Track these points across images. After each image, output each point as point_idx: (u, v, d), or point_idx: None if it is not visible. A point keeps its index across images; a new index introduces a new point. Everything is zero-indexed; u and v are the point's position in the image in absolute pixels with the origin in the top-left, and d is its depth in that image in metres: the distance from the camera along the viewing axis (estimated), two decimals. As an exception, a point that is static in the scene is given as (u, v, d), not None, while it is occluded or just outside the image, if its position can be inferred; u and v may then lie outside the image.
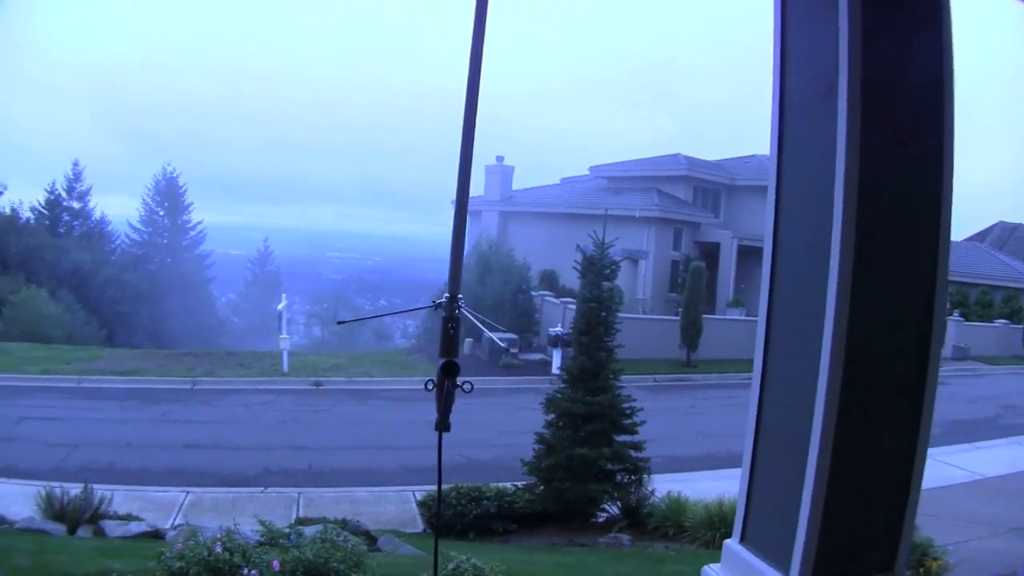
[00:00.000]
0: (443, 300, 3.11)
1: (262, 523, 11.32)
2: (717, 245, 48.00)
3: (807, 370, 3.56)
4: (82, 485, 14.90)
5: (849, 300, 3.43)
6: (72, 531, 14.04)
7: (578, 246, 18.48)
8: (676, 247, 48.04)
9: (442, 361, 3.23)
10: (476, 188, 56.63)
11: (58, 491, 14.66)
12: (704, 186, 51.88)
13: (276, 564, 8.78)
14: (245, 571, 8.55)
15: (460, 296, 3.09)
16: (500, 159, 55.69)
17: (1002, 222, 70.25)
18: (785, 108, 3.84)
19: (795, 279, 3.82)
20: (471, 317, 3.41)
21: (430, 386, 3.22)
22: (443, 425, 3.25)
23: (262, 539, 10.56)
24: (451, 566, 9.44)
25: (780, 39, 3.77)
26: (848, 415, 3.51)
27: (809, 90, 3.68)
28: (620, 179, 53.47)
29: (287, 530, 10.99)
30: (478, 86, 3.25)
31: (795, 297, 3.82)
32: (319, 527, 11.42)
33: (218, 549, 8.79)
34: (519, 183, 56.99)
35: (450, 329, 3.10)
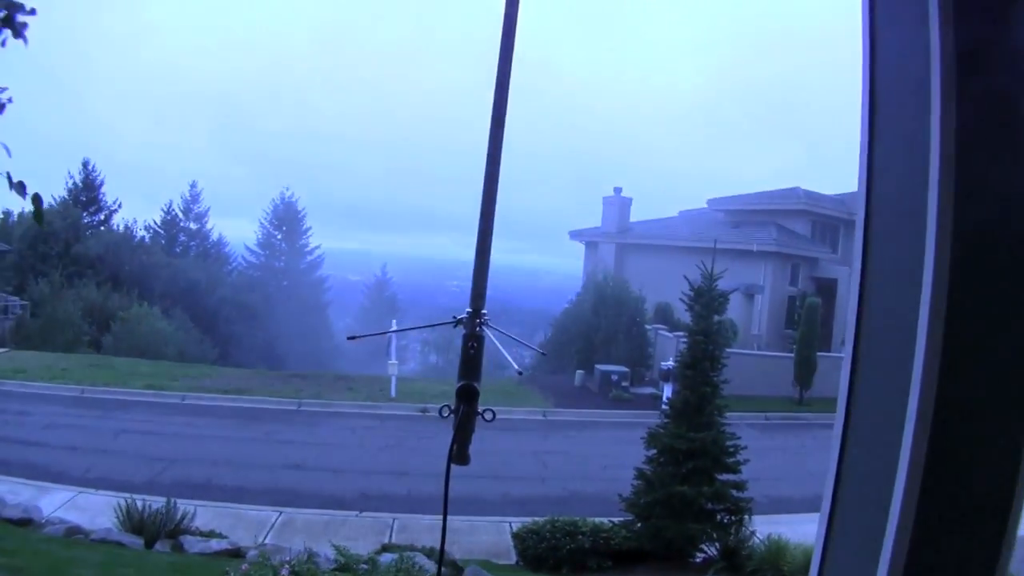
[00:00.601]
0: (464, 316, 2.65)
1: (337, 548, 11.05)
2: (834, 281, 46.87)
3: (895, 408, 3.09)
4: (165, 499, 14.80)
5: (943, 329, 2.95)
6: (150, 545, 13.95)
7: (685, 277, 17.94)
8: (793, 282, 47.01)
9: (459, 384, 2.77)
10: (593, 219, 56.43)
11: (140, 504, 14.56)
12: (822, 220, 50.62)
13: (345, 590, 8.48)
14: (312, 596, 8.27)
15: (485, 312, 2.64)
16: (618, 190, 54.87)
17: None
18: (875, 117, 3.39)
19: (884, 307, 3.34)
20: (493, 339, 2.95)
21: (446, 412, 2.77)
22: (460, 458, 2.76)
23: (337, 565, 10.26)
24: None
25: (868, 36, 3.34)
26: (938, 461, 3.03)
27: (899, 90, 3.23)
28: (738, 212, 52.39)
29: (365, 557, 10.68)
30: (508, 84, 2.85)
31: (884, 325, 3.33)
32: (407, 554, 11.13)
33: (284, 573, 8.51)
34: (637, 215, 56.23)
35: (471, 348, 2.64)
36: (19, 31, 6.04)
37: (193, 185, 77.78)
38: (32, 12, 6.05)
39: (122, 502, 14.74)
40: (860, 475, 3.51)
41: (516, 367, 3.05)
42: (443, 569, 13.64)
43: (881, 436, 3.26)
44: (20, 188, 5.82)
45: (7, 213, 65.06)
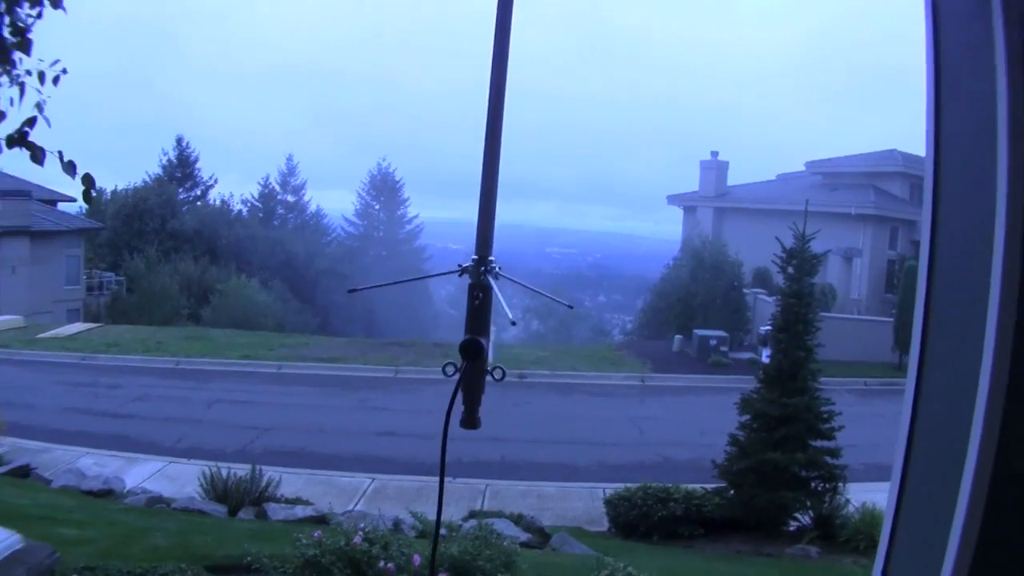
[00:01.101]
0: (469, 264, 2.36)
1: (415, 515, 10.95)
2: (932, 242, 45.79)
3: (967, 376, 2.85)
4: (250, 467, 14.80)
5: (1017, 299, 2.71)
6: (233, 513, 13.99)
7: (778, 239, 17.50)
8: (892, 246, 46.12)
9: (463, 340, 2.45)
10: (691, 183, 55.87)
11: (225, 472, 14.58)
12: (920, 182, 49.33)
13: (417, 559, 8.36)
14: (382, 564, 8.14)
15: (492, 259, 2.35)
16: (715, 154, 54.62)
17: None
18: (940, 86, 3.14)
19: (955, 274, 3.09)
20: (497, 294, 2.63)
21: (450, 371, 2.47)
22: (468, 422, 2.47)
23: (416, 532, 10.17)
24: (605, 573, 8.80)
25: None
26: (1010, 436, 2.79)
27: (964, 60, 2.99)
28: (836, 175, 51.46)
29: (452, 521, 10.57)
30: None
31: (955, 296, 3.09)
32: (486, 522, 11.00)
33: (357, 540, 8.41)
34: (734, 179, 55.72)
35: (476, 299, 2.36)
36: (57, 1, 6.01)
37: (289, 158, 78.53)
38: None
39: (206, 471, 14.79)
40: (931, 448, 3.29)
41: (510, 316, 2.71)
42: (530, 536, 13.46)
43: (952, 408, 3.04)
44: (70, 168, 5.78)
45: (101, 192, 65.88)
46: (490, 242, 2.43)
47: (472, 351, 2.40)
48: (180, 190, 70.02)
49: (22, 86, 6.05)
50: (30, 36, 6.07)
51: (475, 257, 2.35)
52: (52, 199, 54.93)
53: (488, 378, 2.62)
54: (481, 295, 2.46)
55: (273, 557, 9.07)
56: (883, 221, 45.95)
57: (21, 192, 44.05)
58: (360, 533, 8.59)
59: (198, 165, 73.92)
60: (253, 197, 77.24)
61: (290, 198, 77.77)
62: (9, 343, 33.68)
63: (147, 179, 69.21)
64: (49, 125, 6.02)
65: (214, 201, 73.53)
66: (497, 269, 2.38)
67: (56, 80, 6.16)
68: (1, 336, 35.33)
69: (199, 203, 71.82)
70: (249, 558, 9.17)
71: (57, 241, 50.33)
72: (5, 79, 6.02)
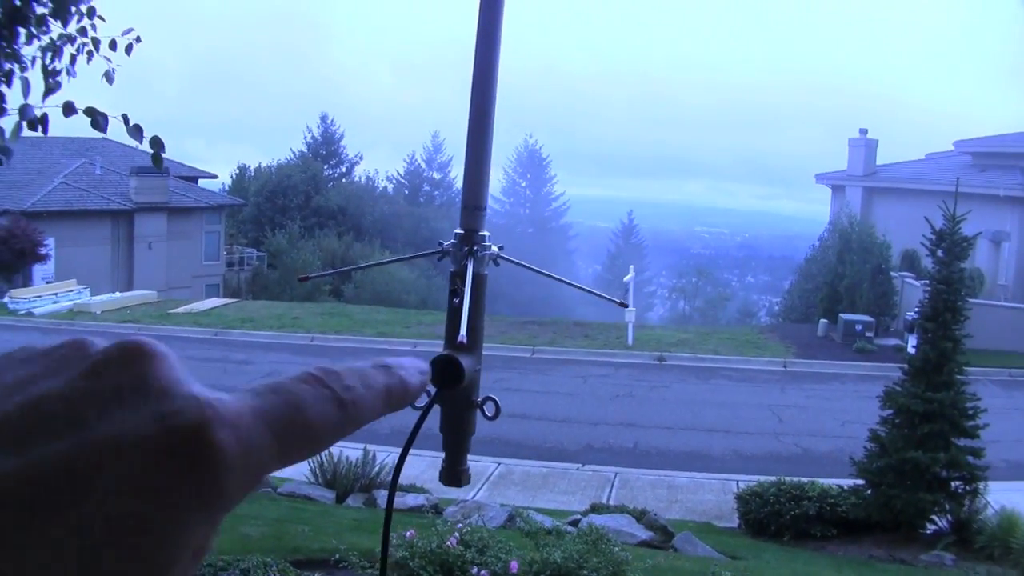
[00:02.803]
0: (450, 244, 1.45)
1: (520, 515, 10.42)
2: (1081, 227, 44.20)
3: None
4: (363, 448, 14.40)
5: None
6: (341, 499, 13.64)
7: (927, 219, 16.54)
8: (1042, 229, 44.44)
9: (437, 356, 1.42)
10: (839, 162, 54.71)
11: (336, 454, 14.26)
12: None
13: (515, 565, 7.83)
14: (475, 571, 7.62)
15: (485, 235, 1.42)
16: (863, 131, 53.14)
17: None
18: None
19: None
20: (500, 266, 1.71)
21: (417, 403, 1.50)
22: (449, 477, 1.50)
23: (524, 530, 9.61)
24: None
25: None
26: None
27: None
28: (985, 155, 49.59)
29: (548, 527, 9.95)
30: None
31: None
32: (600, 523, 10.43)
33: (452, 542, 7.90)
34: (883, 158, 54.34)
35: (456, 296, 1.45)
36: None
37: (435, 136, 78.98)
38: None
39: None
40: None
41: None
42: (653, 534, 12.85)
43: None
44: (136, 131, 5.49)
45: (243, 168, 67.17)
46: (483, 209, 1.65)
47: (448, 375, 1.55)
48: (325, 167, 70.86)
49: (89, 54, 5.80)
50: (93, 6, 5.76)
51: (459, 231, 1.52)
52: (193, 176, 56.08)
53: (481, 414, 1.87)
54: (464, 289, 1.62)
55: (364, 554, 8.60)
56: (1033, 205, 44.21)
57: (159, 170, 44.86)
58: (456, 534, 8.09)
59: (343, 142, 74.83)
60: (399, 174, 78.17)
61: (436, 175, 78.45)
62: (140, 318, 34.28)
63: (292, 156, 70.33)
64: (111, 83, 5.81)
65: (359, 178, 74.49)
66: (495, 251, 1.58)
67: (128, 49, 5.91)
68: (133, 311, 36.05)
69: (344, 180, 72.62)
70: (338, 555, 8.73)
71: (196, 217, 51.37)
72: (69, 47, 5.75)
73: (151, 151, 5.63)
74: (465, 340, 1.35)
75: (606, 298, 1.85)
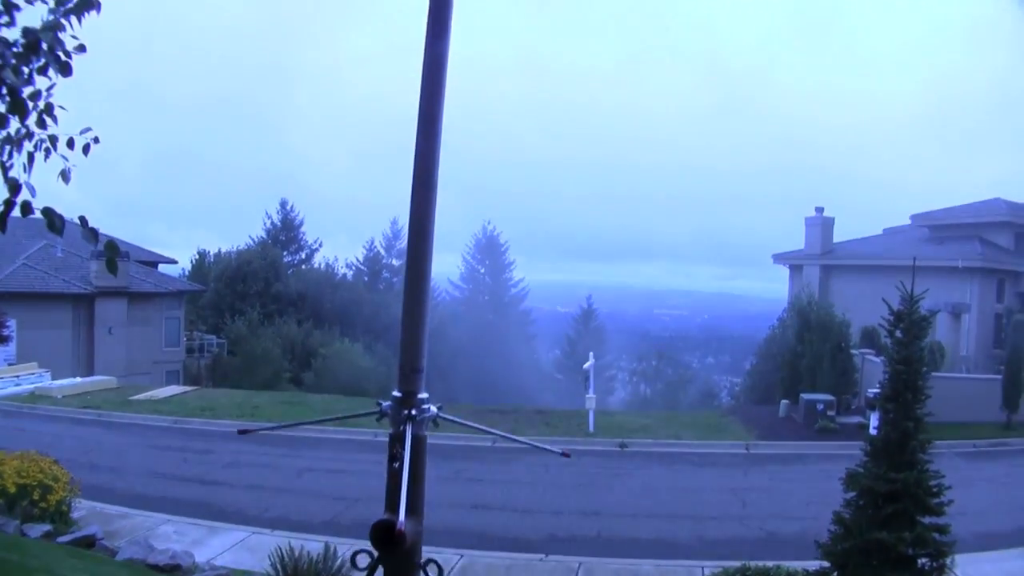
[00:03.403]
0: (388, 405, 1.33)
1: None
2: (1040, 294, 44.96)
3: None
4: (324, 543, 14.21)
5: None
6: (302, 594, 13.36)
7: (884, 300, 16.59)
8: (999, 299, 45.22)
9: (378, 522, 1.34)
10: (797, 239, 55.31)
11: (298, 548, 14.03)
12: None
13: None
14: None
15: (423, 397, 1.30)
16: (820, 210, 54.10)
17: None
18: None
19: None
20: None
21: (362, 562, 1.39)
22: None
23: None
24: None
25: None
26: None
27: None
28: (942, 227, 51.43)
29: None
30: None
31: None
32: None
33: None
34: (840, 234, 55.37)
35: (395, 459, 1.30)
36: (67, 69, 5.64)
37: (394, 222, 79.57)
38: (81, 50, 5.66)
39: (285, 544, 14.24)
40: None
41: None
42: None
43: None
44: (93, 234, 5.43)
45: (203, 253, 67.34)
46: (420, 368, 1.49)
47: (385, 541, 1.34)
48: (284, 253, 71.11)
49: (47, 151, 5.80)
50: (51, 102, 5.72)
51: (396, 394, 1.39)
52: (153, 261, 56.04)
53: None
54: (401, 457, 1.43)
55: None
56: (990, 273, 45.39)
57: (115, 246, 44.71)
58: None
59: (303, 229, 75.22)
60: (358, 261, 78.54)
61: (395, 262, 78.81)
62: (100, 404, 34.08)
63: (251, 242, 70.52)
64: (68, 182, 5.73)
65: (319, 264, 74.74)
66: (434, 411, 1.41)
67: (86, 149, 5.86)
68: (93, 397, 35.89)
69: (304, 266, 72.80)
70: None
71: (157, 303, 51.39)
72: (28, 144, 5.71)
73: (106, 255, 5.57)
74: (404, 526, 1.23)
75: (547, 450, 1.78)
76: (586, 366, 34.18)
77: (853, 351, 37.15)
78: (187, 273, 63.49)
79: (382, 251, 79.35)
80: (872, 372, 34.32)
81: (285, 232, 73.70)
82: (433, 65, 2.40)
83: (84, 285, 47.54)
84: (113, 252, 5.51)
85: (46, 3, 5.63)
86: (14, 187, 5.49)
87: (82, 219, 5.34)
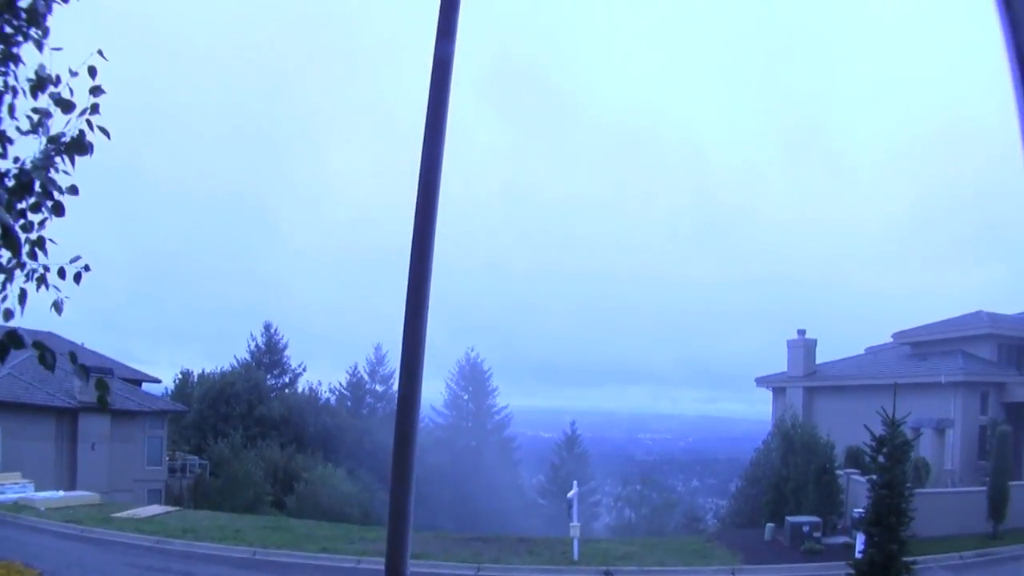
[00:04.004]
0: None
1: None
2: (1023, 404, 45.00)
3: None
4: None
5: None
6: None
7: (867, 427, 16.65)
8: (983, 411, 45.28)
9: None
10: (779, 363, 55.67)
11: None
12: (1008, 342, 49.20)
13: None
14: None
15: None
16: (802, 333, 54.40)
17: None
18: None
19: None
20: None
21: None
22: None
23: None
24: None
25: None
26: None
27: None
28: (923, 344, 51.61)
29: None
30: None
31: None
32: None
33: None
34: (823, 354, 55.56)
35: None
36: (60, 209, 5.82)
37: (378, 348, 79.65)
38: (74, 191, 5.85)
39: None
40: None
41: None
42: None
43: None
44: (83, 372, 5.49)
45: (187, 373, 67.31)
46: None
47: None
48: (268, 376, 71.02)
49: (40, 280, 5.92)
50: (43, 235, 5.87)
51: None
52: (136, 379, 55.94)
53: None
54: None
55: None
56: (973, 387, 45.23)
57: (103, 370, 44.43)
58: None
59: (287, 352, 75.19)
60: (341, 385, 78.57)
61: (379, 387, 78.81)
62: (83, 519, 33.73)
63: (235, 363, 70.47)
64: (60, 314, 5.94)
65: (302, 389, 74.54)
66: None
67: (77, 278, 5.99)
68: (76, 511, 35.53)
69: (287, 390, 72.62)
70: None
71: (140, 421, 51.14)
72: (19, 273, 5.81)
73: (97, 393, 5.64)
74: None
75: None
76: (570, 495, 33.99)
77: (838, 471, 37.07)
78: (170, 392, 63.33)
79: (365, 376, 79.38)
80: (857, 491, 34.22)
81: (269, 355, 73.63)
82: (427, 191, 2.50)
83: (68, 399, 47.36)
84: (103, 390, 5.59)
85: (38, 137, 5.77)
86: (7, 317, 5.59)
87: (72, 355, 5.40)
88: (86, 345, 38.52)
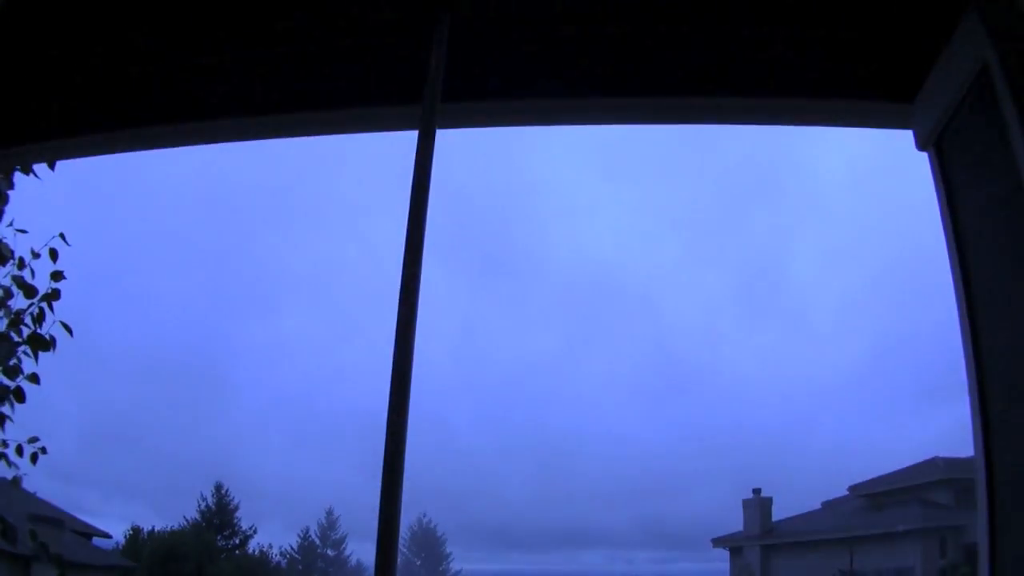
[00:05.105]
0: None
1: None
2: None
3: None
4: None
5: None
6: None
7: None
8: (942, 555, 45.23)
9: None
10: (736, 523, 55.14)
11: None
12: (965, 484, 48.88)
13: None
14: None
15: None
16: (756, 491, 53.88)
17: None
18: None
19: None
20: None
21: None
22: None
23: None
24: None
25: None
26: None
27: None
28: (880, 495, 51.37)
29: None
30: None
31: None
32: None
33: None
34: (779, 511, 54.59)
35: None
36: (21, 396, 6.19)
37: (330, 511, 79.03)
38: (35, 380, 6.21)
39: None
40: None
41: None
42: None
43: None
44: (43, 548, 6.19)
45: (138, 529, 66.51)
46: None
47: None
48: (219, 536, 70.18)
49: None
50: (3, 412, 6.23)
51: None
52: (87, 532, 55.24)
53: None
54: None
55: None
56: (931, 533, 45.16)
57: (54, 520, 44.03)
58: None
59: (237, 513, 74.38)
60: (292, 549, 77.60)
61: (330, 552, 78.05)
62: None
63: (185, 522, 69.70)
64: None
65: (253, 551, 73.62)
66: None
67: (34, 458, 6.44)
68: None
69: (237, 551, 71.74)
70: None
71: (91, 575, 50.18)
72: None
73: (56, 571, 6.07)
74: None
75: None
76: None
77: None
78: (121, 547, 62.50)
79: (316, 541, 78.69)
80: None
81: (219, 516, 72.80)
82: (402, 351, 2.80)
83: (21, 546, 46.73)
84: (61, 567, 5.96)
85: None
86: None
87: (32, 532, 5.75)
88: (38, 495, 38.34)
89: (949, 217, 3.46)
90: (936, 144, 3.41)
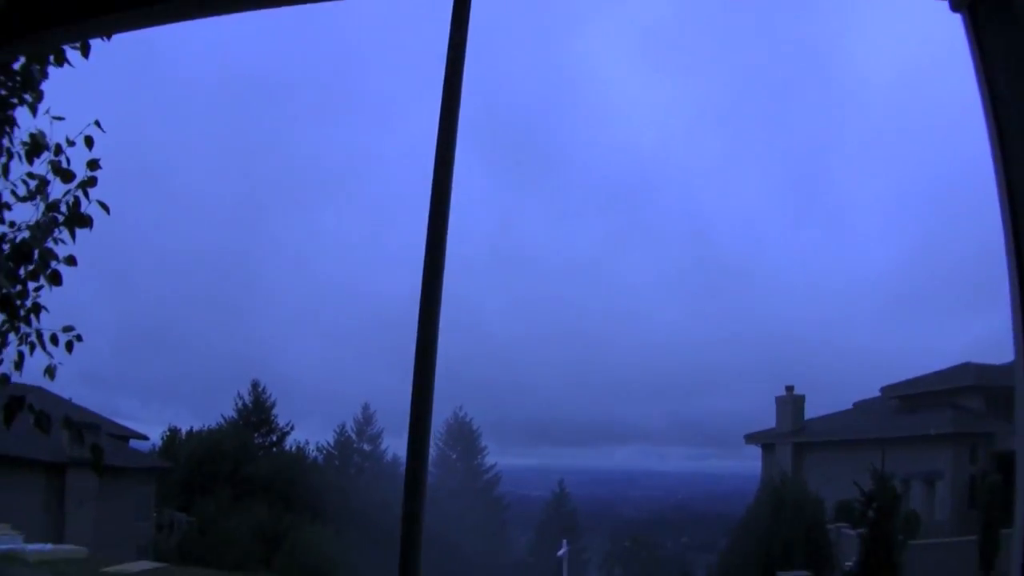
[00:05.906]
0: None
1: None
2: (1012, 453, 44.66)
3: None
4: None
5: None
6: None
7: (856, 483, 16.69)
8: (972, 461, 45.05)
9: None
10: (767, 419, 55.24)
11: None
12: (996, 392, 48.61)
13: None
14: None
15: None
16: (789, 388, 54.07)
17: None
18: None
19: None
20: None
21: None
22: None
23: None
24: None
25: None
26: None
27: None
28: (912, 397, 51.31)
29: None
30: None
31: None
32: None
33: None
34: (812, 409, 54.94)
35: None
36: (57, 279, 6.11)
37: (366, 407, 78.81)
38: (72, 262, 6.15)
39: None
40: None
41: None
42: None
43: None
44: (78, 437, 5.77)
45: (175, 430, 66.92)
46: None
47: None
48: (256, 435, 70.49)
49: (32, 346, 6.15)
50: (39, 302, 6.12)
51: None
52: (124, 435, 55.70)
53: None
54: None
55: None
56: (962, 438, 44.94)
57: (90, 425, 44.38)
58: None
59: (274, 411, 74.50)
60: (329, 445, 77.65)
61: (366, 447, 78.04)
62: (73, 574, 33.54)
63: (222, 421, 69.97)
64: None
65: (290, 447, 73.90)
66: None
67: (70, 346, 6.23)
68: (64, 565, 35.34)
69: (274, 449, 72.09)
70: None
71: (127, 477, 50.72)
72: (14, 337, 5.96)
73: (91, 459, 5.87)
74: None
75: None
76: (560, 553, 33.89)
77: (829, 526, 37.01)
78: (158, 449, 62.98)
79: (353, 436, 78.77)
80: (848, 545, 34.22)
81: (256, 414, 72.99)
82: (434, 251, 2.58)
83: (56, 453, 47.23)
84: (98, 455, 5.73)
85: (36, 204, 5.88)
86: (4, 382, 5.71)
87: (67, 420, 5.54)
88: (74, 400, 38.65)
89: (984, 80, 3.41)
90: (970, 6, 3.36)
